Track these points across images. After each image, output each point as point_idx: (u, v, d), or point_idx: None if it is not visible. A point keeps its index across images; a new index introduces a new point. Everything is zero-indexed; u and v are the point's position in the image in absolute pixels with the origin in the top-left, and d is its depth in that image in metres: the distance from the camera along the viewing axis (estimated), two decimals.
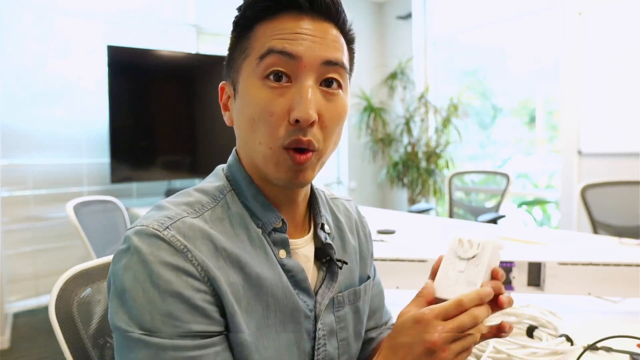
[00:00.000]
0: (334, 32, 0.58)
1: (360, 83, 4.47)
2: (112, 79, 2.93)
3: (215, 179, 0.63)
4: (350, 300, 0.68)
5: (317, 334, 0.62)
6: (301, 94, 0.54)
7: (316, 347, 0.62)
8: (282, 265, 0.60)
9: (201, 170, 3.32)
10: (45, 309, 3.04)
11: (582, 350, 0.79)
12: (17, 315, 2.95)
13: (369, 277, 0.75)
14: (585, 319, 1.01)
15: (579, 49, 3.09)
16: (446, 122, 4.02)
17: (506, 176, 2.80)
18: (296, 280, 0.61)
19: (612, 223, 2.07)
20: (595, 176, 2.77)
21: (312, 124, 0.54)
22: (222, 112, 0.64)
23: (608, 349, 0.83)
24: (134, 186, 3.33)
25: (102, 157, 3.13)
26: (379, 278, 0.82)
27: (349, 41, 0.61)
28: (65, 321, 0.71)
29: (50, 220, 3.06)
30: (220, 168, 0.65)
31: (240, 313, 0.55)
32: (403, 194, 4.55)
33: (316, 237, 0.66)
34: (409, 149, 4.28)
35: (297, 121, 0.53)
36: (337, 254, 0.67)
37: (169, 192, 3.19)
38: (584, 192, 2.12)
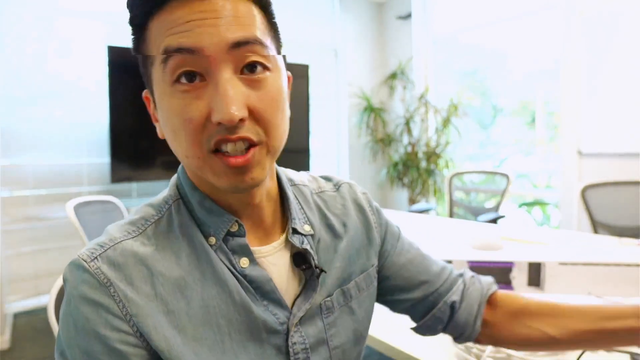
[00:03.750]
0: (238, 5, 0.47)
1: (360, 83, 4.47)
2: (112, 79, 2.93)
3: (165, 191, 0.58)
4: (340, 302, 0.61)
5: (290, 350, 0.55)
6: (218, 91, 0.46)
7: None
8: (244, 276, 0.53)
9: None
10: (45, 309, 3.03)
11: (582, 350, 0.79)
12: (17, 315, 2.95)
13: (372, 266, 0.67)
14: None
15: (579, 49, 3.09)
16: (446, 122, 4.02)
17: (506, 176, 2.80)
18: (263, 291, 0.54)
19: (612, 223, 2.07)
20: (595, 176, 2.77)
21: (241, 121, 0.46)
22: (154, 123, 0.56)
23: (608, 349, 0.83)
24: (134, 186, 3.33)
25: (102, 157, 3.13)
26: (409, 242, 0.75)
27: (264, 6, 0.51)
28: None
29: (50, 220, 3.06)
30: (174, 178, 0.59)
31: (185, 343, 0.49)
32: (403, 194, 4.55)
33: (290, 242, 0.58)
34: (409, 149, 4.28)
35: (219, 123, 0.46)
36: (325, 256, 0.61)
37: None
38: (584, 192, 2.12)
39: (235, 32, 0.46)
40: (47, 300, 0.70)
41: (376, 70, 4.64)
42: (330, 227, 0.64)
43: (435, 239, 1.77)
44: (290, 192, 0.62)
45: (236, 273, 0.53)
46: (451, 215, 3.01)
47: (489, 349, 0.80)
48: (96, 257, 0.49)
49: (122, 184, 3.19)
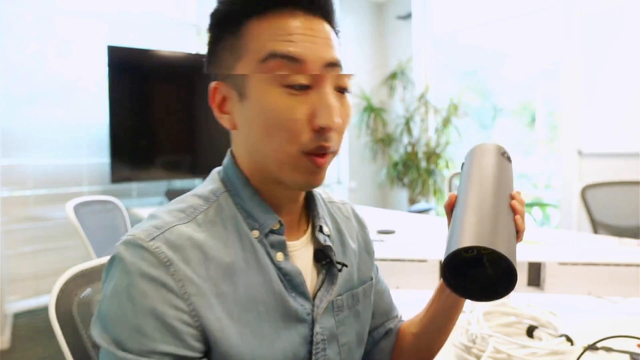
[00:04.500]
0: (328, 28, 0.55)
1: (360, 83, 4.47)
2: (112, 79, 2.93)
3: (210, 182, 0.61)
4: (349, 304, 0.67)
5: (314, 339, 0.60)
6: (325, 101, 0.52)
7: (314, 352, 0.60)
8: (279, 269, 0.58)
9: (201, 170, 3.32)
10: (45, 309, 3.03)
11: (582, 350, 0.79)
12: (17, 315, 2.95)
13: (371, 279, 0.73)
14: (585, 319, 1.02)
15: (579, 48, 3.09)
16: (446, 122, 4.02)
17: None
18: (293, 284, 0.59)
19: (612, 223, 2.07)
20: (595, 176, 2.77)
21: (332, 129, 0.54)
22: (217, 114, 0.59)
23: (608, 349, 0.83)
24: (134, 186, 3.33)
25: (102, 157, 3.13)
26: (382, 277, 0.81)
27: (336, 32, 0.59)
28: (65, 321, 0.71)
29: (50, 220, 3.06)
30: (216, 171, 0.63)
31: (232, 325, 0.53)
32: (403, 194, 4.55)
33: (314, 239, 0.64)
34: (409, 149, 4.28)
35: (321, 128, 0.52)
36: (337, 257, 0.66)
37: (169, 192, 3.19)
38: (584, 192, 2.12)
39: (329, 52, 0.54)
40: (47, 300, 0.70)
41: (376, 70, 4.64)
42: (340, 232, 0.70)
43: (435, 239, 1.77)
44: (317, 195, 0.68)
45: (274, 265, 0.58)
46: None
47: (489, 348, 0.80)
48: (154, 238, 0.51)
49: (122, 184, 3.19)
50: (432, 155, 4.17)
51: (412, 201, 4.26)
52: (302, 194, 0.63)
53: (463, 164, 0.66)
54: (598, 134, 3.04)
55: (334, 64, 0.55)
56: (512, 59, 4.14)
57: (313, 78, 0.53)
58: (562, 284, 1.02)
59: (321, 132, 0.53)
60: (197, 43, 3.56)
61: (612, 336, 0.82)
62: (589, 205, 2.11)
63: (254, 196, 0.58)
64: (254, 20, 0.54)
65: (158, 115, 3.18)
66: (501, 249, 0.49)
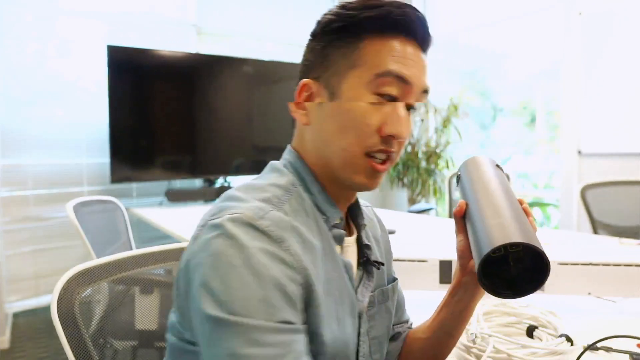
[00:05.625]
0: (425, 59, 0.63)
1: None
2: (112, 79, 2.93)
3: (280, 175, 0.63)
4: (379, 300, 0.71)
5: (360, 330, 0.64)
6: (401, 113, 0.59)
7: (360, 344, 0.64)
8: (342, 261, 0.62)
9: (201, 170, 3.32)
10: (45, 309, 3.04)
11: (582, 350, 0.79)
12: (17, 315, 2.95)
13: (395, 279, 0.78)
14: (585, 319, 1.02)
15: (579, 48, 3.09)
16: (446, 122, 4.02)
17: (506, 176, 2.80)
18: (349, 276, 0.63)
19: (612, 223, 2.07)
20: (595, 176, 2.77)
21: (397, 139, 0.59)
22: (294, 108, 0.63)
23: (608, 349, 0.83)
24: (134, 186, 3.33)
25: (102, 157, 3.13)
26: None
27: None
28: (66, 321, 0.71)
29: (50, 220, 3.06)
30: (280, 164, 0.65)
31: (323, 305, 0.56)
32: (403, 194, 4.55)
33: (359, 237, 0.69)
34: (409, 149, 4.28)
35: (389, 136, 0.58)
36: (372, 256, 0.70)
37: (169, 192, 3.18)
38: (584, 192, 2.12)
39: (426, 80, 0.63)
40: (47, 300, 0.71)
41: None
42: (371, 234, 0.74)
43: (435, 239, 1.77)
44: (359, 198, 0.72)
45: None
46: (451, 215, 3.01)
47: (489, 348, 0.81)
48: (263, 217, 0.53)
49: (122, 184, 3.19)
50: (432, 155, 4.17)
51: (412, 201, 4.26)
52: (355, 195, 0.68)
53: (459, 176, 0.70)
54: (598, 133, 3.04)
55: (426, 92, 0.63)
56: (512, 59, 4.14)
57: (402, 94, 0.60)
58: (562, 284, 1.02)
59: (387, 139, 0.59)
60: (197, 43, 3.56)
61: (612, 336, 0.82)
62: (589, 205, 2.11)
63: (322, 191, 0.63)
64: (372, 38, 0.59)
65: (158, 115, 3.18)
66: (532, 242, 0.51)
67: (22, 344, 2.63)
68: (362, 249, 0.68)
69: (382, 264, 0.70)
